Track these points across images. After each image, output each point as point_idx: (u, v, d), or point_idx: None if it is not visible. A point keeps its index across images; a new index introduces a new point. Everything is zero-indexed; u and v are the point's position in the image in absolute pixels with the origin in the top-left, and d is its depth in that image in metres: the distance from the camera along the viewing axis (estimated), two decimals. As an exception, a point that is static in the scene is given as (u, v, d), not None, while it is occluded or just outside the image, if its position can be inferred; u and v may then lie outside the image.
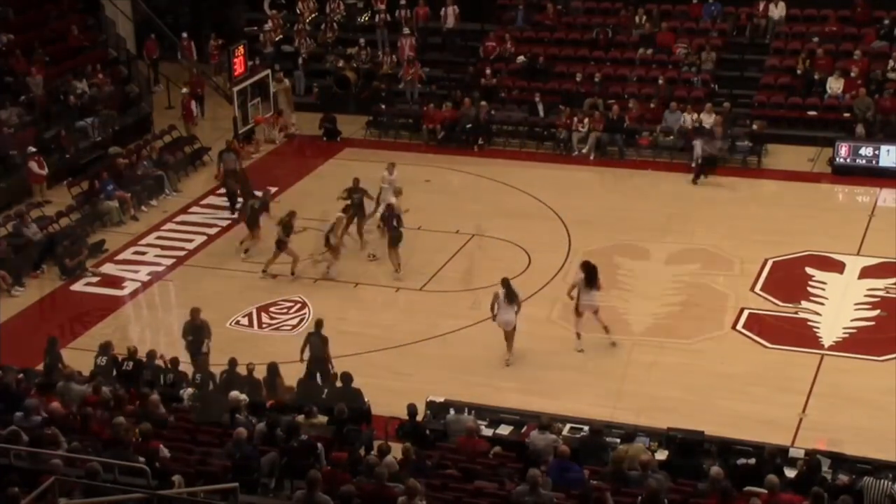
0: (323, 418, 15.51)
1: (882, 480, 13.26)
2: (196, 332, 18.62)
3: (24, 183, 26.28)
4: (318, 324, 18.52)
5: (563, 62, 31.24)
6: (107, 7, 32.70)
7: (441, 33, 32.91)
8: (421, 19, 32.92)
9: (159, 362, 17.78)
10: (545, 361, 19.40)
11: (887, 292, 21.35)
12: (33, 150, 26.23)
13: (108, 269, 23.45)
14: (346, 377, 16.65)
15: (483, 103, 29.83)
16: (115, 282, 22.92)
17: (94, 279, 23.03)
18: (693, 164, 27.27)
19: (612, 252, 23.10)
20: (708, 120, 27.69)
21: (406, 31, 32.04)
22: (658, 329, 20.35)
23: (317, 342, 18.19)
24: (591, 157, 28.38)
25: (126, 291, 22.54)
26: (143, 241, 24.64)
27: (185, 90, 30.50)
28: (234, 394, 16.11)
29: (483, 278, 22.17)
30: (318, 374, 17.88)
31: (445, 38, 32.91)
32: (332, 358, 18.20)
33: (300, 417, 15.30)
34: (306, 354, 18.23)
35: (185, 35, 32.13)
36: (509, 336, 19.21)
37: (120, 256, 23.99)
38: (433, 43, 32.95)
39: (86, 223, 24.84)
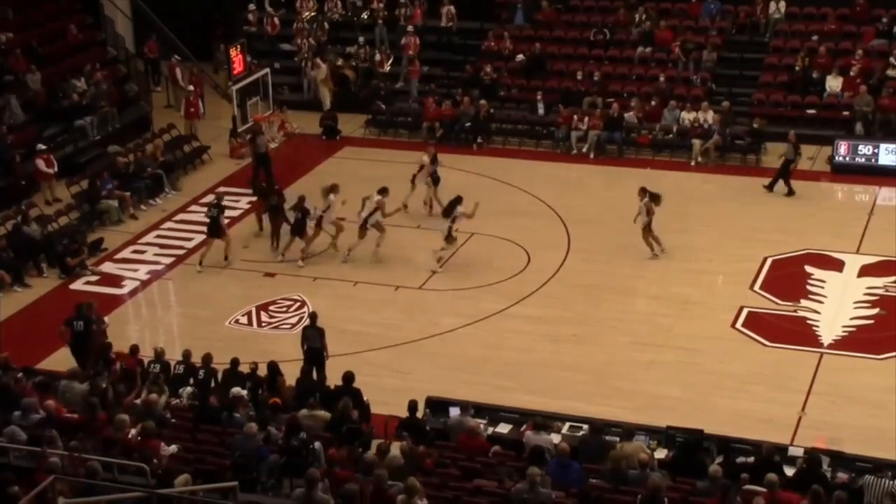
0: (325, 413, 15.51)
1: (883, 479, 13.26)
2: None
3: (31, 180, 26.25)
4: (313, 317, 18.73)
5: (562, 60, 31.23)
6: (106, 6, 32.65)
7: (437, 31, 32.89)
8: (417, 19, 32.83)
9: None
10: (545, 360, 19.40)
11: (886, 290, 21.34)
12: (42, 147, 26.19)
13: (108, 267, 23.41)
14: (347, 377, 16.60)
15: (482, 102, 29.82)
16: (115, 280, 22.91)
17: (94, 278, 23.00)
18: (693, 163, 27.40)
19: (617, 251, 23.18)
20: (706, 117, 27.74)
21: (410, 29, 31.97)
22: (658, 329, 20.36)
23: (313, 334, 18.30)
24: (591, 156, 28.38)
25: (125, 290, 22.55)
26: (143, 240, 24.61)
27: (190, 87, 30.39)
28: (236, 390, 16.12)
29: (482, 277, 22.22)
30: (314, 367, 17.92)
31: (441, 36, 32.90)
32: (332, 356, 18.21)
33: (302, 411, 15.33)
34: (305, 348, 18.33)
35: (176, 57, 31.85)
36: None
37: (119, 255, 23.97)
38: (430, 41, 32.90)
39: (85, 222, 24.83)
